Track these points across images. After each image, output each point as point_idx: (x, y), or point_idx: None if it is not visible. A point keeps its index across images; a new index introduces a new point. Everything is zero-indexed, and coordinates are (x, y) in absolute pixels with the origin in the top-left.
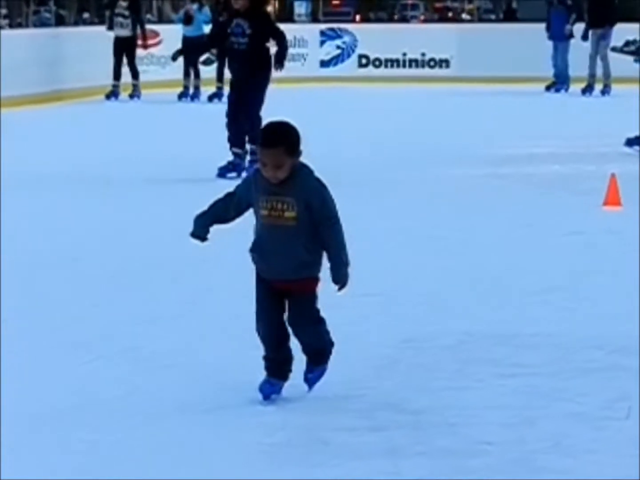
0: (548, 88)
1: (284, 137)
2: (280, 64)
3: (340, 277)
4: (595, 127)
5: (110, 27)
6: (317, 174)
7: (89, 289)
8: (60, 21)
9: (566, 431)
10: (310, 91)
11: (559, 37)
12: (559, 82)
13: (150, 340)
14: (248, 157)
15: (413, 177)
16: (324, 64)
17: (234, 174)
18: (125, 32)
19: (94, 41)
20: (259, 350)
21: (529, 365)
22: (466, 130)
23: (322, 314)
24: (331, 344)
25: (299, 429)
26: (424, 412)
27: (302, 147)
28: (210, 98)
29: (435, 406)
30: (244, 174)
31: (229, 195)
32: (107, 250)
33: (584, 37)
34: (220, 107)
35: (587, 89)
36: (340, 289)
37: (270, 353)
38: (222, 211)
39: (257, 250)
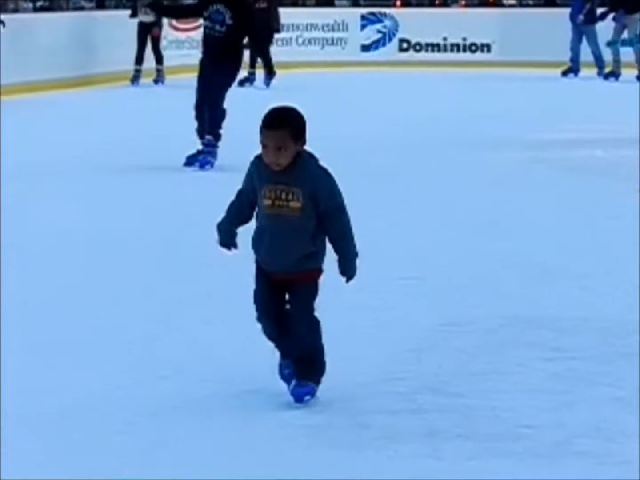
0: (564, 73)
1: (289, 119)
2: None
3: (348, 270)
4: (634, 112)
5: (134, 15)
6: (321, 162)
7: (129, 272)
8: (101, 5)
9: (606, 415)
10: (350, 75)
11: (583, 23)
12: (599, 66)
13: (191, 322)
14: (200, 147)
15: (454, 161)
16: (364, 48)
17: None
18: (149, 18)
19: (130, 25)
20: None
21: (570, 350)
22: (507, 115)
23: (318, 315)
24: (323, 359)
25: (339, 412)
26: (464, 395)
27: (308, 135)
28: (242, 83)
29: (476, 390)
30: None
31: (239, 193)
32: (136, 234)
33: (601, 18)
34: (249, 92)
35: (611, 74)
36: (347, 280)
37: (275, 342)
38: (238, 212)
39: (260, 241)
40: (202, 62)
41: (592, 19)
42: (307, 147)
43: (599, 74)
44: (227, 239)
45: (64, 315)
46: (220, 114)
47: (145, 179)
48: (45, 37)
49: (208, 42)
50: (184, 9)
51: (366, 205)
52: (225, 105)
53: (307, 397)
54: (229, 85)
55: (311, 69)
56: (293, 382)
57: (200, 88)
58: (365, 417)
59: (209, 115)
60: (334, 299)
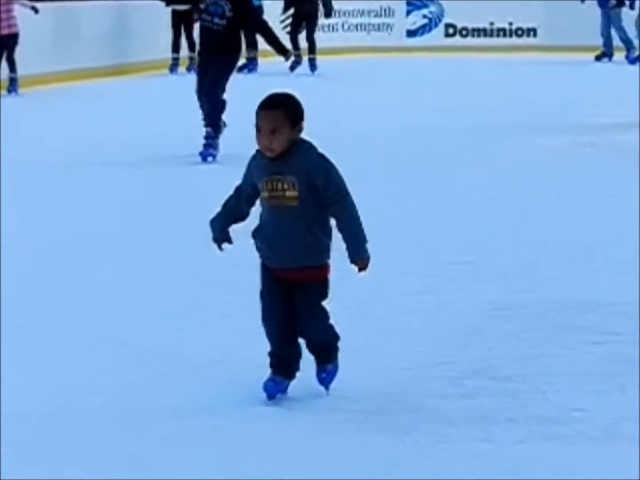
0: (598, 58)
1: (284, 101)
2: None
3: (358, 257)
4: None
5: (169, 4)
6: (320, 149)
7: (173, 260)
8: None
9: None
10: (396, 61)
11: (611, 7)
12: (629, 50)
13: (241, 308)
14: (204, 141)
15: (500, 146)
16: (410, 33)
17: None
18: (182, 7)
19: (166, 13)
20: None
21: (619, 333)
22: (553, 99)
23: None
24: (336, 337)
25: (388, 396)
26: (514, 379)
27: (324, 127)
28: (292, 67)
29: (526, 373)
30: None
31: (237, 189)
32: (165, 224)
33: (631, 7)
34: (296, 79)
35: (637, 59)
36: (360, 269)
37: (277, 349)
38: (236, 207)
39: (260, 236)
40: (201, 56)
41: (619, 2)
42: (351, 132)
43: (599, 57)
44: (221, 235)
45: (104, 306)
46: (219, 106)
47: (155, 173)
48: (85, 25)
49: (207, 35)
50: None
51: (412, 191)
52: (225, 96)
53: (333, 380)
54: (228, 76)
55: (357, 54)
56: (316, 371)
57: (200, 81)
58: (415, 402)
59: (207, 108)
60: (382, 284)
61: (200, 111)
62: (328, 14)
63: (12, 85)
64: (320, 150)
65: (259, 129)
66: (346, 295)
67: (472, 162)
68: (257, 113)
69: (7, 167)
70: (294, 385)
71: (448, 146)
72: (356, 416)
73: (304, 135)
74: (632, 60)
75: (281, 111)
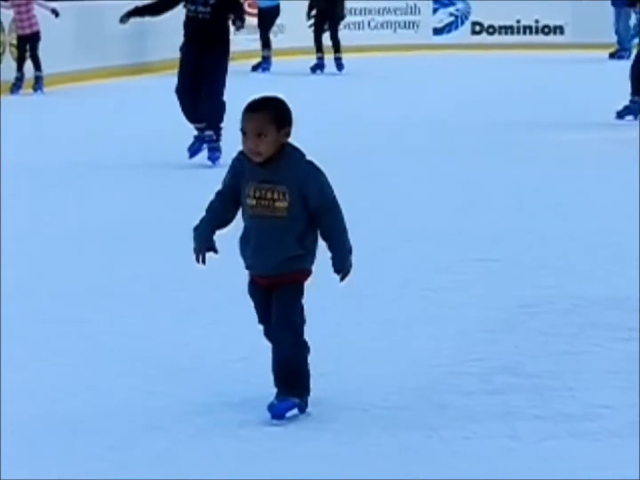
0: (612, 55)
1: (270, 104)
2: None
3: (342, 266)
4: None
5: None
6: (309, 157)
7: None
8: None
9: None
10: (423, 59)
11: (621, 3)
12: (623, 48)
13: None
14: (195, 133)
15: (527, 143)
16: (437, 31)
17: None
18: None
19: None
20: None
21: None
22: (580, 96)
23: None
24: (308, 379)
25: (414, 393)
26: (540, 376)
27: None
28: (313, 69)
29: (552, 370)
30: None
31: (220, 193)
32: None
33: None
34: (321, 79)
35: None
36: (342, 278)
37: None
38: (222, 211)
39: (246, 245)
40: (188, 49)
41: (633, 1)
42: (378, 130)
43: (619, 55)
44: (206, 243)
45: (130, 303)
46: (222, 108)
47: (180, 171)
48: (107, 24)
49: (193, 26)
50: (158, 4)
51: (438, 187)
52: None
53: (289, 413)
54: (226, 72)
55: (384, 52)
56: (274, 397)
57: (188, 74)
58: (441, 398)
59: (209, 110)
60: (410, 281)
61: (181, 113)
62: (342, 16)
63: (38, 83)
64: (309, 157)
65: (244, 132)
66: (373, 292)
67: (498, 158)
68: (242, 116)
69: (33, 164)
70: (325, 383)
71: (474, 143)
72: (383, 412)
73: (326, 133)
74: (618, 57)
75: (266, 113)
